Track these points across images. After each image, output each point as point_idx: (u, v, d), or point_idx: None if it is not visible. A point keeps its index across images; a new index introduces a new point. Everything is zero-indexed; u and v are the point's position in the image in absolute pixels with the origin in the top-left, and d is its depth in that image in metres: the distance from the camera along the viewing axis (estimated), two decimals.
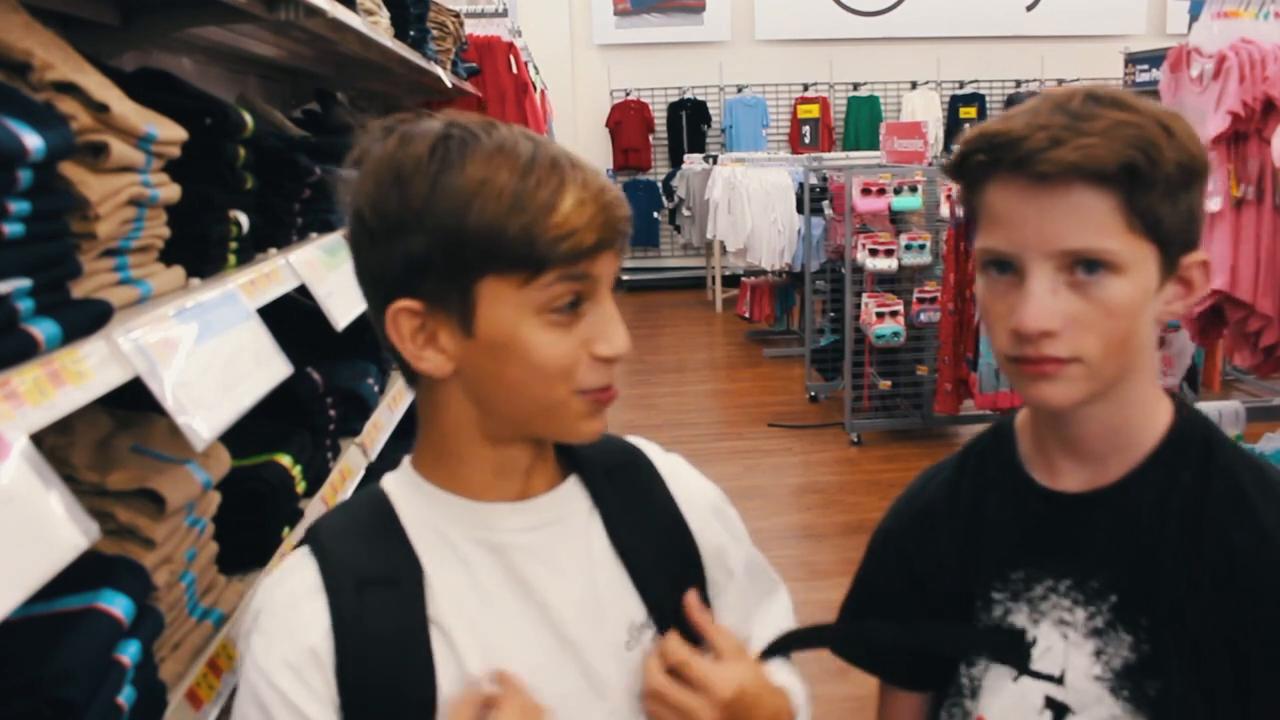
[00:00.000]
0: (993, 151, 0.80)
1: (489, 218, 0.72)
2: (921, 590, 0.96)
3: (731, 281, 8.55)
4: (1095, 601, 0.86)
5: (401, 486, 0.83)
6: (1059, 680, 0.87)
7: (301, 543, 0.82)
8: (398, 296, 0.75)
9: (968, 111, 10.19)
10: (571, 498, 0.85)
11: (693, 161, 9.06)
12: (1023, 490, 0.91)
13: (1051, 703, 0.87)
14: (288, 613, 0.77)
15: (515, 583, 0.81)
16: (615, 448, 0.91)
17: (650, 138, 10.32)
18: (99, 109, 1.01)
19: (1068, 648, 0.87)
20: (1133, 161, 0.76)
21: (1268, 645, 0.80)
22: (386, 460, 1.88)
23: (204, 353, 1.08)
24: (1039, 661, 0.88)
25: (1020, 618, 0.89)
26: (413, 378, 0.82)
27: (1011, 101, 10.26)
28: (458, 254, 0.73)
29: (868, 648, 1.02)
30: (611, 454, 0.90)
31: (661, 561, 0.87)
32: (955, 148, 0.86)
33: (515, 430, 0.81)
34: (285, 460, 1.50)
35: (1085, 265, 0.79)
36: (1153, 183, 0.77)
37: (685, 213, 9.36)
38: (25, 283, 0.84)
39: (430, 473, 0.82)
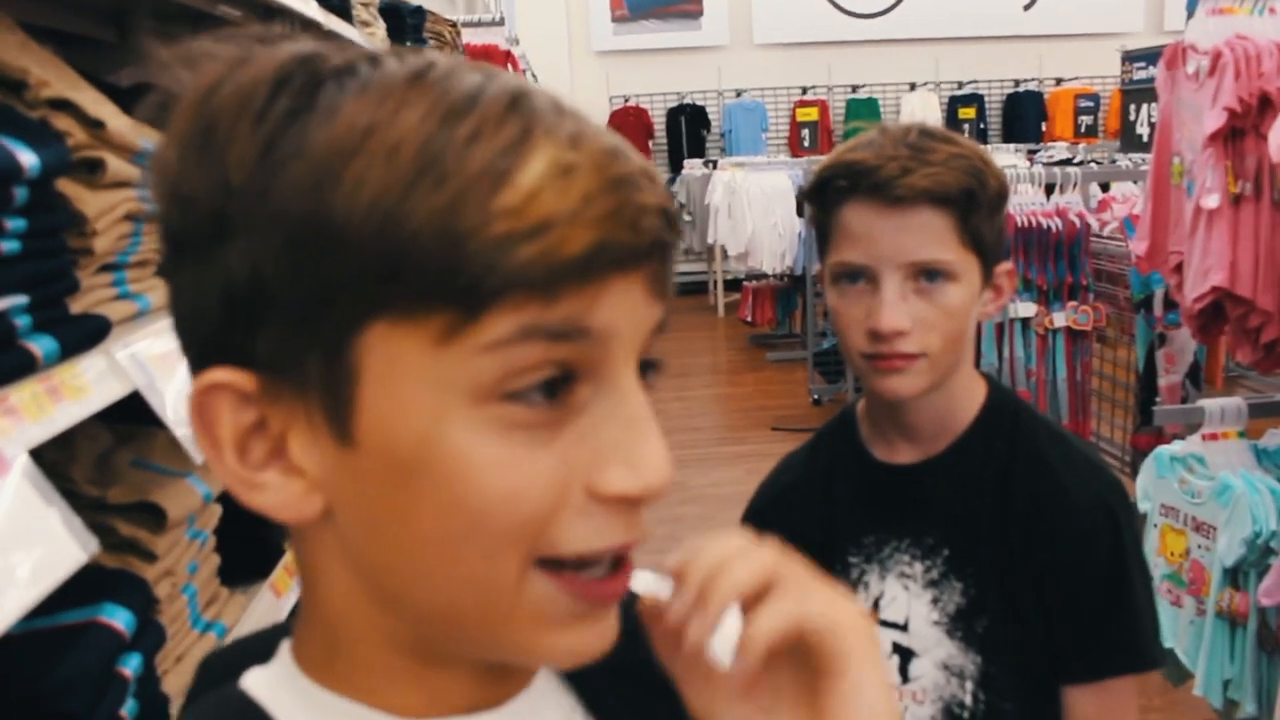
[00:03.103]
0: (853, 178, 0.93)
1: (371, 199, 0.37)
2: None
3: (733, 286, 8.55)
4: (930, 556, 1.00)
5: (279, 693, 0.47)
6: (904, 627, 1.01)
7: None
8: (212, 362, 0.40)
9: (966, 112, 10.19)
10: (546, 699, 0.51)
11: (692, 166, 9.06)
12: (867, 466, 1.05)
13: (898, 647, 1.01)
14: None
15: None
16: None
17: (650, 143, 10.32)
18: (94, 125, 1.01)
19: (909, 598, 1.01)
20: (969, 186, 0.92)
21: (1063, 575, 0.96)
22: None
23: None
24: (885, 611, 1.01)
25: (872, 577, 1.03)
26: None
27: (1011, 101, 10.27)
28: (316, 276, 0.38)
29: None
30: None
31: None
32: (811, 174, 0.98)
33: (435, 637, 0.44)
34: None
35: (928, 274, 0.93)
36: (980, 204, 0.94)
37: (686, 217, 9.36)
38: (23, 299, 0.85)
39: (321, 674, 0.46)
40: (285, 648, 0.49)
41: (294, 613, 0.50)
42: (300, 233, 0.37)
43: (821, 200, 0.96)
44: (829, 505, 1.07)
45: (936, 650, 1.00)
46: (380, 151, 0.37)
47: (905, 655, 1.01)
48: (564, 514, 0.40)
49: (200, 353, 0.42)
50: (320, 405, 0.39)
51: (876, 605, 1.02)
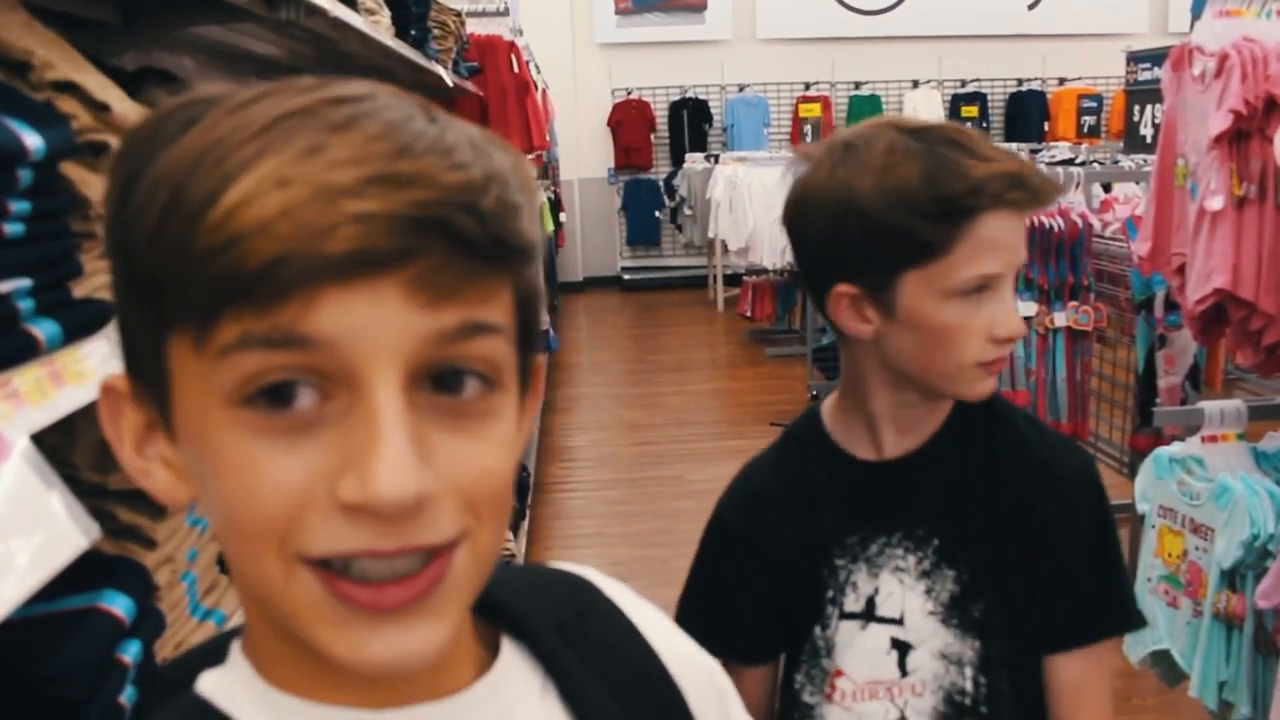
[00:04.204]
0: (1027, 190, 0.91)
1: (147, 227, 0.41)
2: (769, 568, 1.05)
3: (733, 280, 8.54)
4: (922, 547, 1.01)
5: (238, 695, 0.48)
6: (900, 621, 1.01)
7: None
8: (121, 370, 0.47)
9: (969, 110, 10.18)
10: (512, 679, 0.53)
11: (694, 160, 9.06)
12: (847, 467, 1.04)
13: (895, 642, 1.01)
14: None
15: None
16: (558, 587, 0.61)
17: (652, 137, 10.32)
18: (99, 108, 1.01)
19: (904, 591, 1.01)
20: None
21: (1057, 548, 0.99)
22: None
23: None
24: (882, 608, 1.02)
25: (860, 576, 1.02)
26: None
27: (1014, 100, 10.26)
28: (129, 295, 0.44)
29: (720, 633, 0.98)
30: (556, 598, 0.60)
31: None
32: (956, 186, 0.89)
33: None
34: None
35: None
36: None
37: (687, 212, 9.36)
38: (26, 282, 0.84)
39: (274, 673, 0.48)
40: (236, 649, 0.50)
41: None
42: (115, 258, 0.45)
43: (958, 213, 0.90)
44: (810, 509, 1.04)
45: (933, 640, 1.01)
46: (152, 182, 0.42)
47: (903, 649, 1.02)
48: (311, 516, 0.41)
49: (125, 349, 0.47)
50: (156, 404, 0.45)
51: (870, 603, 1.02)
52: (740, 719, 0.66)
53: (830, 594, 1.04)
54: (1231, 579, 1.83)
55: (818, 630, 1.04)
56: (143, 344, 0.44)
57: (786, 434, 1.11)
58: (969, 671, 1.00)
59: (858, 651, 1.02)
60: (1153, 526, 2.02)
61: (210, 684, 0.49)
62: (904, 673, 1.01)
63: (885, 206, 0.90)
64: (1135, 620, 1.04)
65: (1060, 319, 3.19)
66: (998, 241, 0.91)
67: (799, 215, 0.97)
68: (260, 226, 0.39)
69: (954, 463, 1.02)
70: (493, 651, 0.54)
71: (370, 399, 0.41)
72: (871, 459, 1.03)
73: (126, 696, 0.94)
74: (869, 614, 1.02)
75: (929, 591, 1.01)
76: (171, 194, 0.41)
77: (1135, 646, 2.08)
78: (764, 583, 1.05)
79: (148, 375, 0.45)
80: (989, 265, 0.91)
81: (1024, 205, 0.92)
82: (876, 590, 1.02)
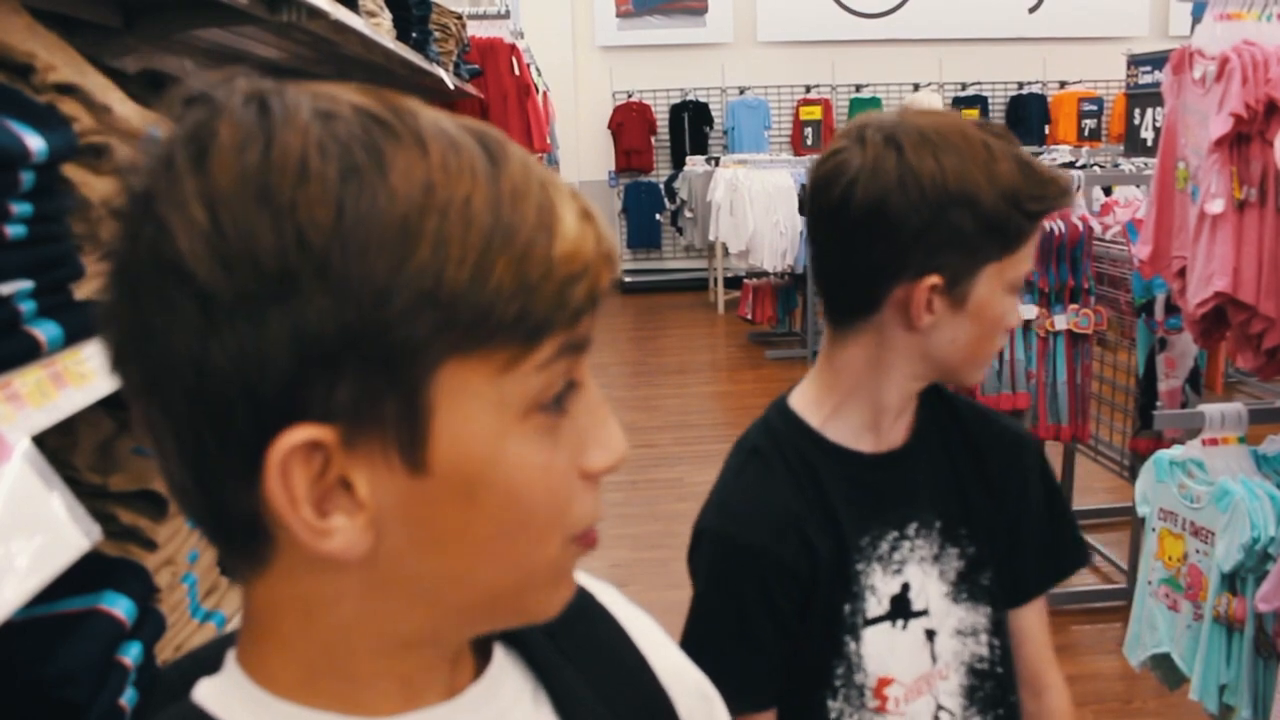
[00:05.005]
0: (1069, 195, 0.98)
1: (458, 255, 0.41)
2: (800, 587, 0.99)
3: (734, 283, 8.54)
4: (927, 533, 1.03)
5: (233, 704, 0.48)
6: (926, 612, 1.02)
7: None
8: (285, 423, 0.41)
9: (970, 113, 10.15)
10: (505, 685, 0.54)
11: (695, 163, 9.06)
12: (852, 464, 1.02)
13: (928, 633, 1.03)
14: None
15: None
16: None
17: (652, 139, 10.32)
18: (101, 111, 1.01)
19: (924, 580, 1.02)
20: None
21: (1031, 505, 1.07)
22: None
23: None
24: (916, 602, 1.02)
25: (877, 578, 1.01)
26: (245, 562, 0.46)
27: (1015, 103, 10.26)
28: (392, 328, 0.41)
29: (738, 672, 0.95)
30: None
31: None
32: (1035, 188, 0.94)
33: (459, 625, 0.50)
34: None
35: None
36: None
37: (687, 214, 9.36)
38: (27, 284, 0.84)
39: (291, 691, 0.48)
40: (232, 662, 0.50)
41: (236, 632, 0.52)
42: (379, 293, 0.40)
43: (1038, 212, 0.95)
44: (832, 515, 1.00)
45: (948, 620, 1.03)
46: (452, 209, 0.41)
47: (931, 637, 1.03)
48: (576, 496, 0.48)
49: (252, 423, 0.41)
50: (395, 441, 0.43)
51: (901, 602, 1.01)
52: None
53: (852, 603, 1.00)
54: (1232, 582, 1.83)
55: (850, 645, 1.00)
56: (389, 383, 0.41)
57: (769, 434, 1.04)
58: (984, 638, 1.04)
59: (902, 653, 1.01)
60: (1153, 530, 2.02)
61: (207, 693, 0.49)
62: (934, 660, 1.02)
63: (996, 198, 0.91)
64: (1087, 556, 1.17)
65: (1061, 322, 3.18)
66: (1035, 241, 0.97)
67: (869, 204, 0.91)
68: (597, 253, 0.45)
69: (937, 446, 1.05)
70: (485, 657, 0.55)
71: (590, 389, 0.48)
72: (871, 451, 1.03)
73: (127, 698, 0.94)
74: (904, 612, 1.01)
75: (941, 574, 1.03)
76: (492, 224, 0.42)
77: (1136, 650, 2.08)
78: (789, 607, 0.99)
79: (381, 418, 0.42)
80: (1032, 261, 0.98)
81: (1066, 207, 1.00)
82: (906, 586, 1.01)
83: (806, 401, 1.05)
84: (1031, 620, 1.10)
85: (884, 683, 1.00)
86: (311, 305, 0.40)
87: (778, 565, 0.98)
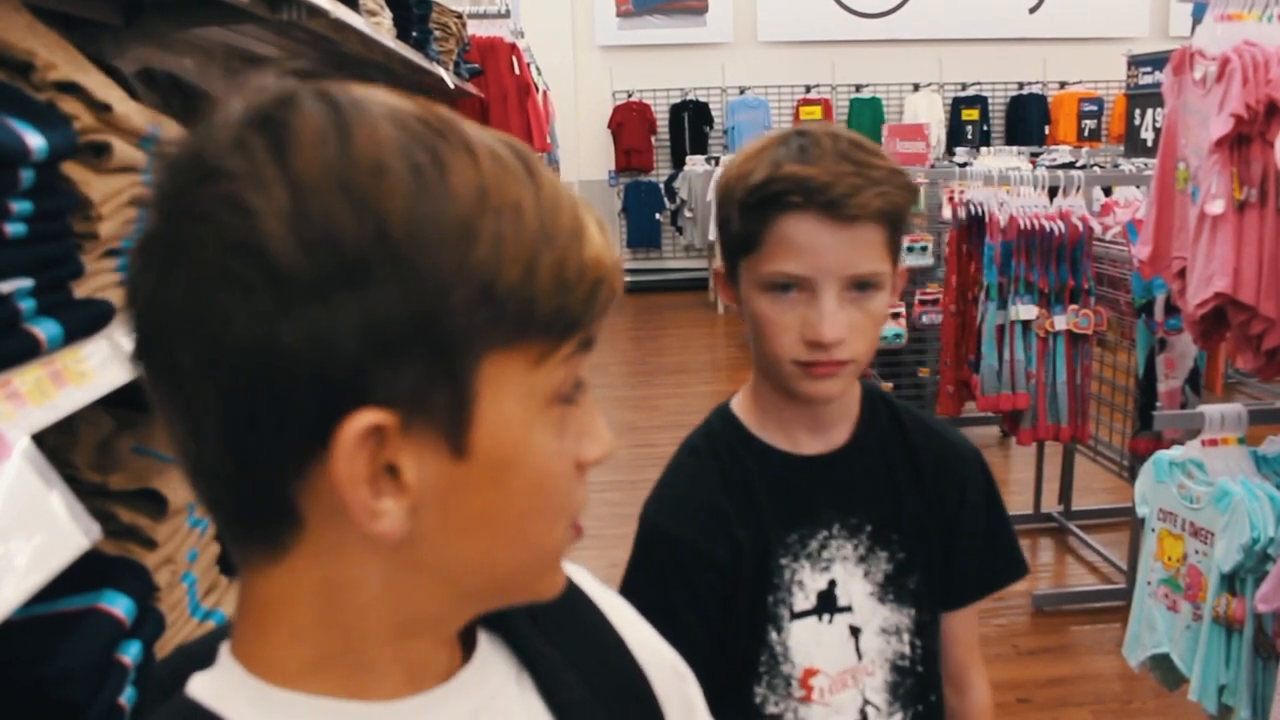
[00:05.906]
0: (806, 194, 0.93)
1: (512, 254, 0.45)
2: (721, 578, 1.03)
3: None
4: (857, 535, 1.06)
5: (230, 696, 0.49)
6: (850, 609, 1.05)
7: None
8: (350, 406, 0.43)
9: (969, 113, 10.19)
10: (491, 669, 0.56)
11: (695, 163, 9.07)
12: (781, 464, 1.06)
13: (852, 629, 1.06)
14: None
15: None
16: None
17: (652, 139, 10.32)
18: (101, 109, 1.01)
19: (848, 579, 1.05)
20: (907, 203, 0.98)
21: (968, 513, 1.10)
22: None
23: None
24: (841, 599, 1.05)
25: (804, 574, 1.05)
26: (263, 549, 0.48)
27: (1015, 103, 10.27)
28: (451, 318, 0.44)
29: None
30: None
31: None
32: (753, 181, 0.95)
33: (471, 606, 0.53)
34: None
35: (860, 285, 0.96)
36: (906, 217, 1.00)
37: (687, 214, 9.37)
38: (27, 283, 0.84)
39: (293, 680, 0.49)
40: (227, 655, 0.51)
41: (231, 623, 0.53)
42: (441, 285, 0.43)
43: (757, 209, 0.95)
44: (757, 512, 1.04)
45: (874, 619, 1.06)
46: (505, 211, 0.45)
47: (856, 634, 1.06)
48: (576, 484, 0.52)
49: (319, 403, 0.43)
50: (443, 426, 0.45)
51: (828, 597, 1.05)
52: (700, 705, 0.69)
53: (776, 596, 1.04)
54: (1231, 583, 1.83)
55: (773, 636, 1.04)
56: (441, 371, 0.44)
57: (708, 434, 1.10)
58: (907, 637, 1.07)
59: (827, 647, 1.05)
60: (1153, 530, 2.02)
61: (202, 687, 0.50)
62: (860, 656, 1.06)
63: (721, 198, 1.00)
64: (1026, 567, 1.18)
65: (1060, 322, 3.19)
66: (799, 244, 0.94)
67: None
68: (614, 263, 0.49)
69: (875, 452, 1.08)
70: (469, 642, 0.57)
71: (585, 382, 0.52)
72: (807, 453, 1.06)
73: (127, 697, 0.94)
74: (830, 607, 1.05)
75: (866, 575, 1.06)
76: (540, 227, 0.46)
77: (1135, 650, 2.08)
78: (711, 597, 1.03)
79: (431, 405, 0.45)
80: (790, 265, 0.95)
81: (804, 209, 0.93)
82: (832, 583, 1.05)
83: (746, 405, 1.11)
84: (962, 623, 1.14)
85: (809, 673, 1.05)
86: (383, 293, 0.42)
87: (699, 556, 1.03)
